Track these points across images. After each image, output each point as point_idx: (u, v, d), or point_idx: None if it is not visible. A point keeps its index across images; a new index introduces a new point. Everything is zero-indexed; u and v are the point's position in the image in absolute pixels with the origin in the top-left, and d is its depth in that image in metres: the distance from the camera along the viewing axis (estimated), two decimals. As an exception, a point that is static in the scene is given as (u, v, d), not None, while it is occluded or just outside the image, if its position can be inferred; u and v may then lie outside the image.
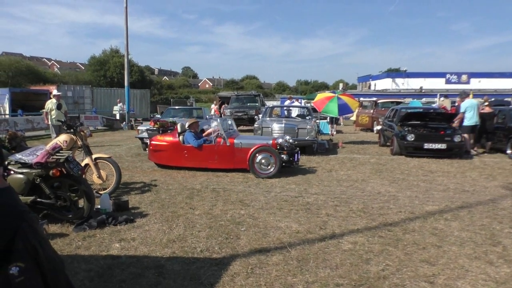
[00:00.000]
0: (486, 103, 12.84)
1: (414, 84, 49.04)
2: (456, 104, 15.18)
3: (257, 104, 21.53)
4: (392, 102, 22.08)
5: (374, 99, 24.67)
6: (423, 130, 11.58)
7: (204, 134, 9.09)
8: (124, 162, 10.22)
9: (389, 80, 52.02)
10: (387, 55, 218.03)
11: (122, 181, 7.50)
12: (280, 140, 8.74)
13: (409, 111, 13.11)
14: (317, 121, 13.99)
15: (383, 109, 20.42)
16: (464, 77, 50.70)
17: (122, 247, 4.33)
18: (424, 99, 27.57)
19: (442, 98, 34.68)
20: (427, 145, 11.03)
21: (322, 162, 10.25)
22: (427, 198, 6.57)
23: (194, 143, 8.72)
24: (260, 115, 14.37)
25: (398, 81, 51.94)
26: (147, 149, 10.31)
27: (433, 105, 20.73)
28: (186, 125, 9.10)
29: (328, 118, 18.22)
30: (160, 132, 10.10)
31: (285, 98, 44.78)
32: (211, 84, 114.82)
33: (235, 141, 8.65)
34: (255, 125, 12.17)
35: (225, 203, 6.16)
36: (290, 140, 8.87)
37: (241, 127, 21.94)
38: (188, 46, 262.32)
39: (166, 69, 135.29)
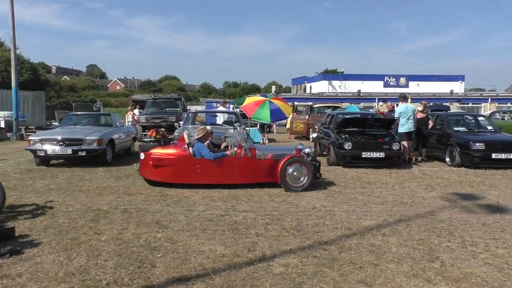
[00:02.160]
0: (420, 108, 13.89)
1: (352, 87, 51.66)
2: (387, 109, 16.29)
3: (178, 109, 21.30)
4: (328, 107, 23.03)
5: (310, 103, 25.57)
6: (361, 137, 12.24)
7: (222, 147, 9.11)
8: (10, 180, 9.55)
9: (326, 82, 54.37)
10: (323, 55, 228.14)
11: (7, 204, 7.01)
12: (307, 150, 9.14)
13: (346, 117, 13.80)
14: (247, 128, 14.17)
15: (319, 114, 21.20)
16: (402, 80, 54.52)
17: (5, 286, 4.02)
18: (362, 104, 29.13)
19: (381, 103, 36.99)
20: (365, 154, 11.66)
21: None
22: (365, 212, 6.94)
23: (209, 156, 8.56)
24: (181, 122, 14.25)
25: (335, 83, 54.45)
26: (136, 165, 9.49)
27: (370, 110, 22.00)
28: (196, 136, 8.85)
29: (259, 125, 18.57)
30: (162, 143, 9.34)
31: (210, 102, 44.84)
32: (123, 86, 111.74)
33: (256, 152, 8.71)
34: (175, 134, 12.02)
35: (139, 225, 6.00)
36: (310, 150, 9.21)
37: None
38: (94, 40, 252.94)
39: (67, 67, 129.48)
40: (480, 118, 15.45)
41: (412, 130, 12.83)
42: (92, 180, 9.67)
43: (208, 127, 9.37)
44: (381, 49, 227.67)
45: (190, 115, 14.21)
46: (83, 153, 11.43)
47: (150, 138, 9.40)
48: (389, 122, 13.05)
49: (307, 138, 21.41)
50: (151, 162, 8.66)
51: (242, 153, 8.67)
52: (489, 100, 44.18)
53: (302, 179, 8.64)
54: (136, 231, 5.72)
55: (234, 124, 13.68)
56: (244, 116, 15.62)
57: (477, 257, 4.89)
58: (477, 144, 11.76)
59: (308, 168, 8.66)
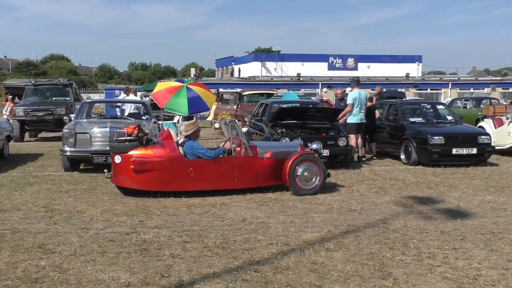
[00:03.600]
0: (375, 92, 14.51)
1: (290, 69, 52.64)
2: (337, 97, 16.85)
3: (67, 98, 20.62)
4: (261, 95, 23.30)
5: (238, 90, 25.74)
6: (300, 131, 12.54)
7: (222, 145, 9.43)
8: None
9: (258, 64, 54.95)
10: (255, 30, 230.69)
11: None
12: (314, 146, 9.63)
13: (282, 106, 14.09)
14: (159, 122, 14.02)
15: (250, 104, 21.44)
16: (350, 62, 56.47)
17: None
18: (302, 91, 29.81)
19: (325, 89, 38.07)
20: (306, 152, 11.96)
21: (166, 181, 10.30)
22: (306, 223, 7.13)
23: (208, 155, 8.77)
24: (73, 115, 13.81)
25: (269, 65, 55.22)
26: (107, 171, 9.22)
27: (313, 98, 22.57)
28: (182, 132, 8.99)
29: (176, 117, 18.42)
30: (144, 142, 8.98)
31: (112, 89, 43.86)
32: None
33: (258, 150, 9.03)
34: (65, 130, 11.65)
35: (15, 251, 5.78)
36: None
37: (43, 134, 20.79)
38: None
39: None
40: (440, 107, 16.39)
41: (364, 121, 13.32)
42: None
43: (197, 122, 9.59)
44: (324, 22, 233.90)
45: (84, 106, 13.79)
46: None
47: (128, 136, 8.92)
48: (334, 112, 13.47)
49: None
50: (132, 166, 8.53)
51: (242, 152, 8.95)
52: (450, 85, 46.91)
53: (314, 180, 9.11)
54: (11, 259, 5.50)
55: (143, 117, 13.53)
56: (155, 106, 15.41)
57: (434, 271, 5.20)
58: (436, 138, 12.46)
59: (320, 167, 9.14)
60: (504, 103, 27.34)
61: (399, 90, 35.47)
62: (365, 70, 54.23)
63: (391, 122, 14.27)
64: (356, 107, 13.07)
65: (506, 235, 6.58)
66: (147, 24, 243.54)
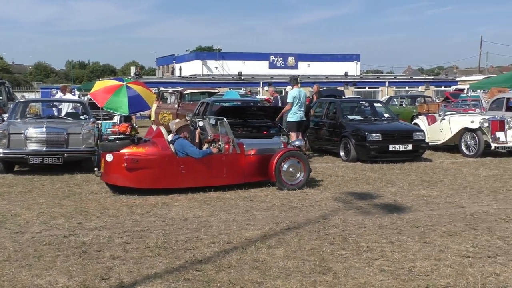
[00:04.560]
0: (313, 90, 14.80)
1: (231, 68, 52.76)
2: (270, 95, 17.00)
3: (0, 97, 19.91)
4: (203, 93, 23.27)
5: (180, 89, 25.58)
6: (241, 130, 12.59)
7: (206, 141, 9.67)
8: None
9: (199, 62, 54.84)
10: (196, 28, 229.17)
11: None
12: (297, 142, 10.22)
13: (224, 105, 14.10)
14: (99, 122, 13.74)
15: (191, 102, 21.40)
16: (291, 60, 57.18)
17: None
18: (243, 89, 29.93)
19: (266, 88, 38.36)
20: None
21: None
22: (248, 221, 7.18)
23: (196, 154, 8.98)
24: (6, 115, 13.35)
25: (211, 64, 55.20)
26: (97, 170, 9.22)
27: (255, 97, 22.74)
28: (173, 129, 9.28)
29: (116, 117, 18.10)
30: (136, 141, 9.01)
31: (48, 88, 42.68)
32: None
33: (245, 147, 9.35)
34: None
35: None
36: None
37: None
38: None
39: None
40: (377, 105, 16.85)
41: (304, 119, 13.52)
42: None
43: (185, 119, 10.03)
44: (265, 21, 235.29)
45: (18, 105, 13.33)
46: None
47: (120, 134, 8.84)
48: (275, 111, 13.59)
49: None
50: (124, 164, 8.64)
51: (230, 149, 9.22)
52: (387, 83, 48.23)
53: (298, 175, 9.49)
54: None
55: (81, 117, 13.22)
56: (94, 106, 15.08)
57: (372, 265, 5.35)
58: (374, 135, 12.80)
59: (305, 163, 9.59)
60: (437, 101, 28.39)
61: (338, 88, 36.22)
62: (305, 68, 55.05)
63: (330, 120, 14.55)
64: (296, 106, 13.24)
65: (438, 227, 6.84)
66: (85, 21, 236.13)
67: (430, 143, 14.24)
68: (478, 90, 24.32)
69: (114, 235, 6.41)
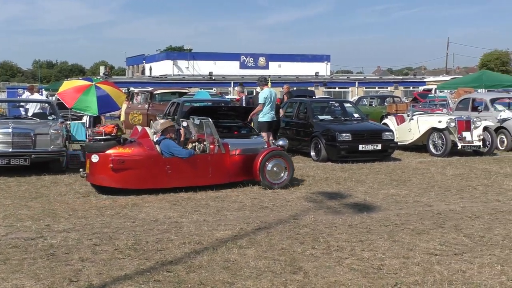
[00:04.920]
0: (279, 95, 14.90)
1: (202, 68, 52.63)
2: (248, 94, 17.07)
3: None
4: (173, 93, 23.15)
5: (150, 89, 25.42)
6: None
7: (190, 141, 9.66)
8: None
9: (170, 62, 54.55)
10: (167, 28, 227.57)
11: None
12: (281, 142, 10.39)
13: (194, 105, 14.06)
14: (67, 122, 13.55)
15: (161, 103, 21.27)
16: (261, 60, 57.31)
17: None
18: (214, 89, 29.89)
19: (237, 88, 38.30)
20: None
21: (75, 183, 10.03)
22: (219, 222, 7.18)
23: (183, 154, 9.06)
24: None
25: (181, 64, 54.95)
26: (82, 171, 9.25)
27: (227, 97, 22.73)
28: (158, 129, 9.25)
29: (85, 117, 17.87)
30: (122, 141, 8.97)
31: (15, 88, 41.84)
32: None
33: (229, 147, 9.49)
34: None
35: None
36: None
37: None
38: None
39: None
40: (347, 105, 17.01)
41: (275, 119, 13.57)
42: None
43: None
44: (236, 22, 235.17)
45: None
46: None
47: (105, 135, 8.77)
48: (246, 111, 13.60)
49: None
50: (111, 165, 8.64)
51: (216, 149, 9.31)
52: (357, 83, 48.69)
53: (282, 174, 9.68)
54: None
55: (49, 117, 13.00)
56: (62, 106, 14.87)
57: (342, 263, 5.40)
58: (344, 135, 12.91)
59: (289, 162, 9.79)
60: (406, 101, 28.79)
61: (309, 88, 36.43)
62: (276, 69, 55.23)
63: (301, 120, 14.62)
64: (267, 106, 13.30)
65: (407, 226, 6.95)
66: (53, 20, 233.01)
67: (399, 143, 14.43)
68: (445, 91, 24.82)
69: (83, 237, 6.34)
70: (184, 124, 10.18)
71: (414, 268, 5.24)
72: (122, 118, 23.59)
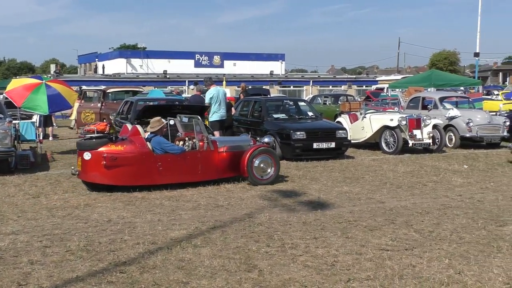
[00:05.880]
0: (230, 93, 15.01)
1: (156, 67, 52.13)
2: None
3: None
4: (127, 92, 22.88)
5: (103, 87, 25.02)
6: (165, 129, 12.46)
7: (177, 140, 9.77)
8: None
9: (123, 61, 53.80)
10: (120, 25, 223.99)
11: None
12: (266, 139, 10.74)
13: (148, 104, 13.87)
14: (16, 121, 13.19)
15: (115, 101, 21.01)
16: (216, 59, 57.14)
17: None
18: (169, 88, 29.65)
19: (192, 87, 38.29)
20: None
21: (24, 184, 9.82)
22: (173, 221, 7.14)
23: (176, 150, 9.30)
24: None
25: (135, 62, 54.28)
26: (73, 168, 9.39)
27: (182, 96, 22.60)
28: (149, 127, 9.47)
29: (36, 116, 17.45)
30: (114, 139, 9.13)
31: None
32: None
33: (218, 144, 9.74)
34: None
35: None
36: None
37: None
38: None
39: None
40: (301, 104, 17.13)
41: (225, 118, 13.59)
42: None
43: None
44: (191, 20, 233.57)
45: None
46: None
47: (98, 133, 8.69)
48: (201, 109, 13.55)
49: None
50: (103, 162, 8.75)
51: (205, 146, 9.53)
52: (311, 82, 49.11)
53: (269, 170, 9.96)
54: None
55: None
56: (10, 105, 14.46)
57: (296, 261, 5.46)
58: (298, 133, 13.00)
59: (275, 159, 10.10)
60: (359, 99, 29.24)
61: (264, 87, 36.51)
62: (231, 67, 55.16)
63: (255, 119, 14.66)
64: (215, 105, 13.36)
65: (360, 222, 7.07)
66: (1, 16, 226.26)
67: (352, 141, 14.63)
68: (397, 90, 25.33)
69: (32, 239, 6.21)
70: (171, 122, 10.15)
71: (366, 264, 5.35)
72: (73, 116, 23.17)
